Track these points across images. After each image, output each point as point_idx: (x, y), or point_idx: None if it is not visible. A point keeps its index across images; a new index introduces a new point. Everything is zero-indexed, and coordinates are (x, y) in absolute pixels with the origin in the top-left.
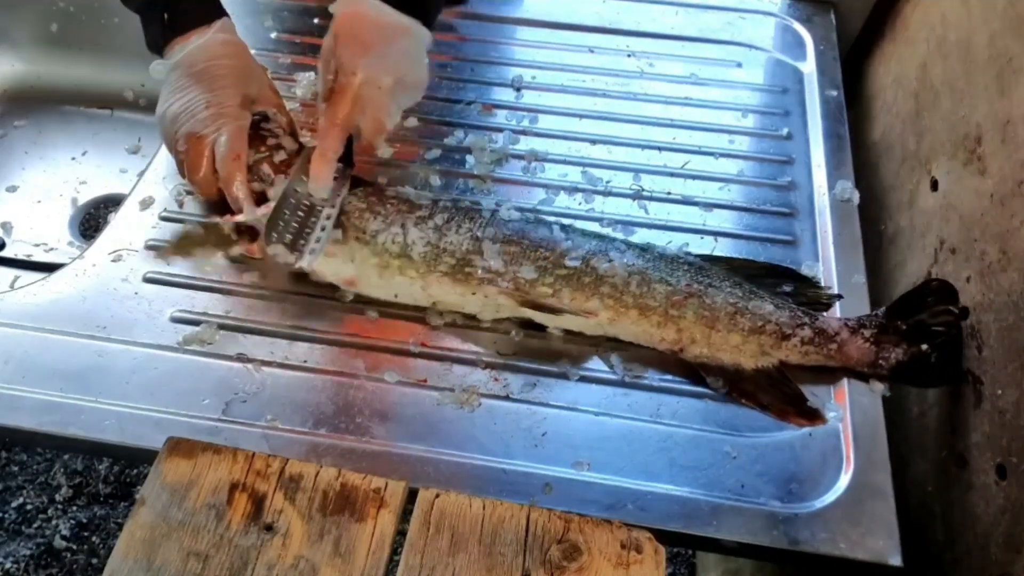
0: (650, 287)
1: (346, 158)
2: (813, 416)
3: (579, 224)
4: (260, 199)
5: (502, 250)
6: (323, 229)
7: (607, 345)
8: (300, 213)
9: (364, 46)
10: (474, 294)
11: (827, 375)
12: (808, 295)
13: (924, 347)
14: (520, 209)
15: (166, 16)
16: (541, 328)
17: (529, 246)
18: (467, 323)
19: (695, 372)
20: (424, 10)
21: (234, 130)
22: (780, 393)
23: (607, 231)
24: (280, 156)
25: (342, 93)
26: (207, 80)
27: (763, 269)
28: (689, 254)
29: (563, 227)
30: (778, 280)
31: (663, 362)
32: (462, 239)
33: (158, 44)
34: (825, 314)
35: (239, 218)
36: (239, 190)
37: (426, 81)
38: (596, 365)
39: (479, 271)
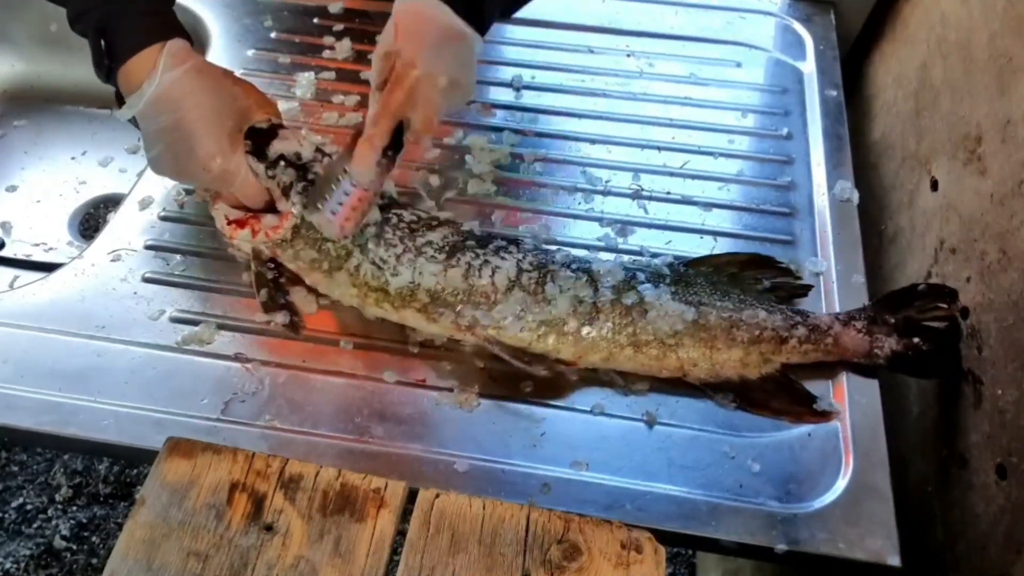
0: (641, 322)
1: (396, 144)
2: (826, 414)
3: (580, 224)
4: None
5: (478, 294)
6: (348, 198)
7: None
8: (340, 188)
9: (425, 43)
10: (451, 336)
11: (826, 371)
12: (785, 286)
13: (916, 340)
14: (497, 237)
15: (102, 43)
16: None
17: (508, 290)
18: None
19: (700, 389)
20: (481, 18)
21: (240, 188)
22: (789, 397)
23: (606, 231)
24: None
25: (398, 83)
26: (184, 139)
27: (746, 260)
28: (671, 266)
29: (543, 265)
30: (761, 270)
31: None
32: (440, 278)
33: (107, 78)
34: (801, 304)
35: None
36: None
37: (474, 89)
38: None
39: (453, 317)
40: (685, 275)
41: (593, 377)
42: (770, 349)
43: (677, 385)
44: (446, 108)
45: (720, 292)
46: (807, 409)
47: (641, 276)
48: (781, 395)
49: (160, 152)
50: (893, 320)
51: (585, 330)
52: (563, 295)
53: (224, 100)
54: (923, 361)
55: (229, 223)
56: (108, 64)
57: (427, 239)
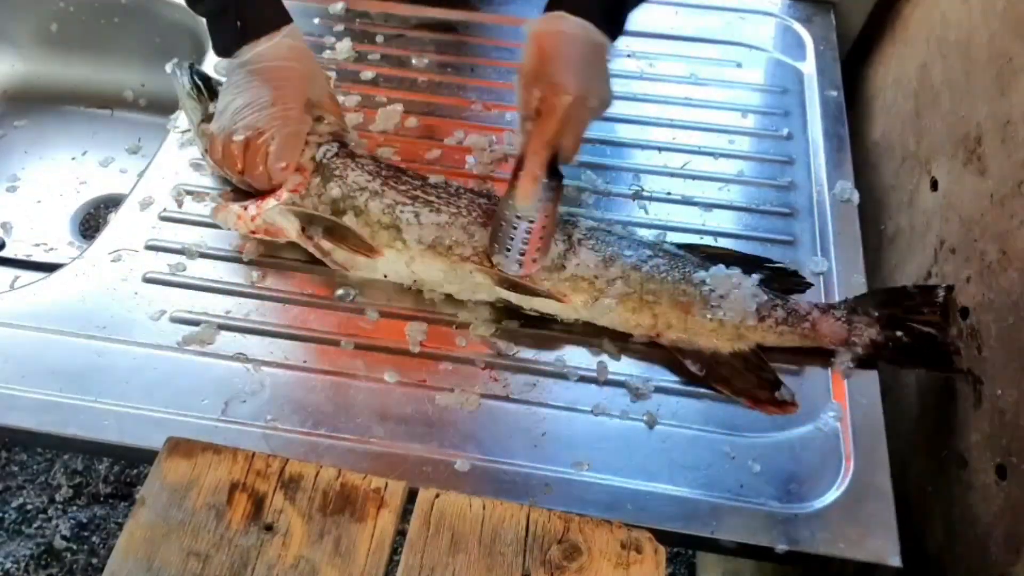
0: (625, 273)
1: (554, 173)
2: (783, 404)
3: None
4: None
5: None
6: (525, 236)
7: (604, 345)
8: (513, 226)
9: (573, 65)
10: (454, 268)
11: (818, 359)
12: (782, 283)
13: (898, 333)
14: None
15: (239, 23)
16: (517, 315)
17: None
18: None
19: (675, 360)
20: (619, 26)
21: (289, 136)
22: (755, 378)
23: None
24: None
25: (552, 113)
26: (274, 80)
27: (740, 259)
28: (666, 242)
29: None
30: (754, 269)
31: (663, 365)
32: (446, 215)
33: (229, 48)
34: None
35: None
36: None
37: (612, 98)
38: (595, 365)
39: (458, 246)
40: (676, 251)
41: (593, 377)
42: (745, 325)
43: (678, 385)
44: (591, 124)
45: (705, 267)
46: (767, 395)
47: (635, 237)
48: (748, 375)
49: (248, 83)
50: (877, 314)
51: (570, 262)
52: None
53: (316, 78)
54: (903, 352)
55: (246, 208)
56: (240, 40)
57: (430, 186)
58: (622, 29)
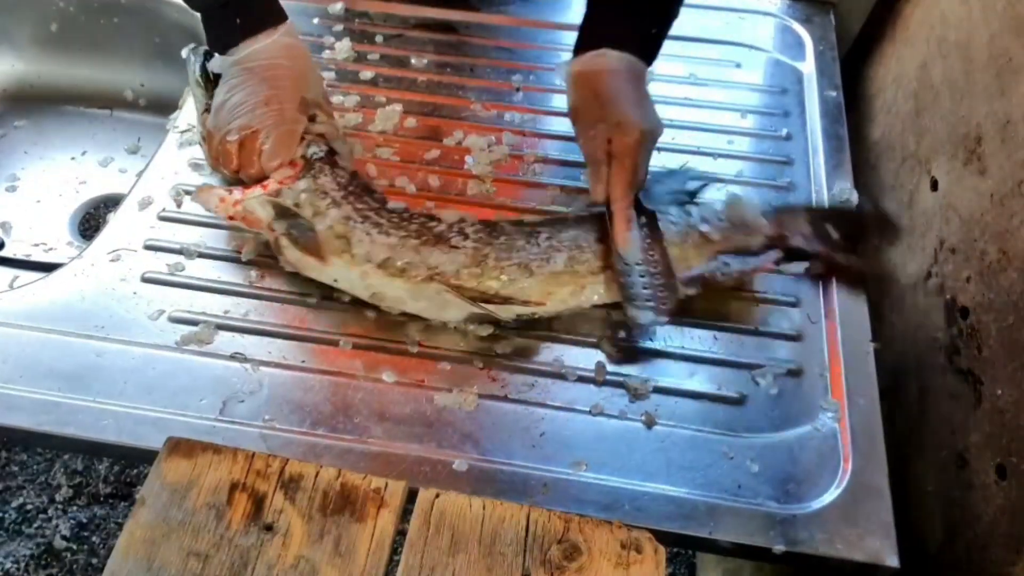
0: (596, 247)
1: (640, 210)
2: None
3: None
4: None
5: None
6: (644, 280)
7: (602, 345)
8: (630, 275)
9: (632, 101)
10: (419, 288)
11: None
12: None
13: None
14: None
15: (238, 20)
16: (496, 322)
17: (476, 244)
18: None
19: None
20: (657, 50)
21: (283, 134)
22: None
23: None
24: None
25: (627, 154)
26: (269, 79)
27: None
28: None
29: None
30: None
31: (662, 362)
32: (395, 238)
33: (225, 44)
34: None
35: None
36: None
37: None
38: (593, 365)
39: (412, 268)
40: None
41: (592, 377)
42: (702, 242)
43: (676, 385)
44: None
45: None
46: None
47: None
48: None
49: (243, 80)
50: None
51: (547, 268)
52: (518, 239)
53: (311, 78)
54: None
55: (231, 191)
56: (237, 36)
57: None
58: (658, 52)
